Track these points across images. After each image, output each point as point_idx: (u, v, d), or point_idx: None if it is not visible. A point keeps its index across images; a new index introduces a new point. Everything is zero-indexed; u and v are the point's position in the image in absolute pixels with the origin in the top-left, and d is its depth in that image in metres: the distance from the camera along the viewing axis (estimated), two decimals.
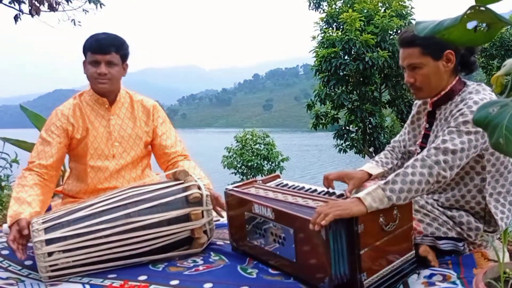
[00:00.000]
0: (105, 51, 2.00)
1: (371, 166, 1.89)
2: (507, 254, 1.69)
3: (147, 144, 2.22)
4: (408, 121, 1.88)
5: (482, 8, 0.77)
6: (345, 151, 13.00)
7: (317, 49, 12.09)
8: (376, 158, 1.95)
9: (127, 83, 2.18)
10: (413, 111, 1.86)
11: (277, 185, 1.86)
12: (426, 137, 1.74)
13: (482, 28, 0.83)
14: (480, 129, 1.47)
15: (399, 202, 1.41)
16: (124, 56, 2.09)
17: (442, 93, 1.66)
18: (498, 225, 1.63)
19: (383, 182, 1.43)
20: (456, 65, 1.64)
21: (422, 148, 1.72)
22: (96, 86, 2.06)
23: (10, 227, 1.73)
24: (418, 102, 1.85)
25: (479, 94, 1.58)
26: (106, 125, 2.12)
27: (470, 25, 0.83)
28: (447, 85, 1.66)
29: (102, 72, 2.01)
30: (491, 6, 0.78)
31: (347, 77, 12.04)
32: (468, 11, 0.78)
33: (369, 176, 1.84)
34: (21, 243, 1.69)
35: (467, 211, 1.67)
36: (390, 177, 1.43)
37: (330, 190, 1.74)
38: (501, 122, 0.76)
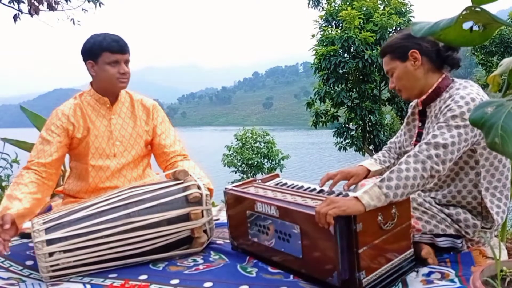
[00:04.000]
0: (125, 50, 2.04)
1: (370, 162, 1.92)
2: (504, 252, 1.70)
3: (147, 143, 2.23)
4: (404, 123, 1.92)
5: (478, 9, 0.78)
6: (345, 149, 13.02)
7: (316, 47, 12.09)
8: (375, 156, 1.99)
9: None
10: (408, 113, 1.90)
11: (276, 184, 1.87)
12: (419, 135, 1.78)
13: (478, 29, 0.83)
14: (468, 123, 1.49)
15: (396, 199, 1.42)
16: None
17: (430, 91, 1.70)
18: (494, 220, 1.64)
19: (379, 179, 1.44)
20: (433, 62, 1.69)
21: None
22: (118, 86, 2.07)
23: None
24: (412, 104, 1.89)
25: (465, 89, 1.61)
26: (107, 124, 2.13)
27: (466, 25, 0.83)
28: (432, 83, 1.70)
29: (126, 71, 2.04)
30: (487, 7, 0.79)
31: (346, 75, 12.05)
32: (464, 12, 0.79)
33: (368, 172, 1.87)
34: (3, 238, 1.67)
35: (464, 207, 1.68)
36: (385, 175, 1.45)
37: (329, 189, 1.75)
38: (496, 122, 0.76)
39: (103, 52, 2.00)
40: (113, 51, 2.01)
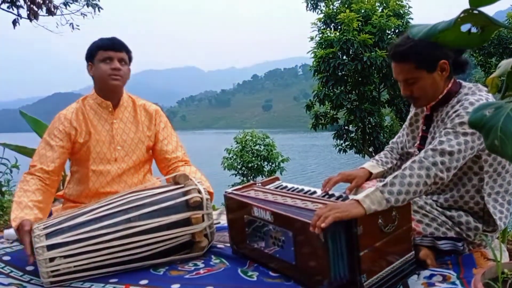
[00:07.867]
0: (118, 48, 2.06)
1: (372, 164, 1.91)
2: (506, 254, 1.70)
3: (149, 148, 2.22)
4: (406, 123, 1.89)
5: (475, 12, 0.78)
6: (344, 151, 13.00)
7: (315, 50, 12.10)
8: (377, 157, 1.97)
9: (126, 85, 2.20)
10: (411, 113, 1.87)
11: (277, 188, 1.87)
12: (423, 139, 1.75)
13: (476, 31, 0.84)
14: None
15: (398, 204, 1.41)
16: (130, 58, 2.14)
17: (440, 97, 1.67)
18: (497, 225, 1.64)
19: (381, 184, 1.43)
20: (452, 70, 1.65)
21: (420, 150, 1.72)
22: (109, 83, 2.06)
23: (17, 230, 1.73)
24: None
25: (475, 95, 1.59)
26: (109, 128, 2.13)
27: (464, 27, 0.83)
28: (443, 89, 1.67)
29: (116, 67, 2.04)
30: (485, 8, 0.79)
31: (345, 77, 12.04)
32: (462, 14, 0.79)
33: (370, 175, 1.86)
34: (30, 253, 1.68)
35: (466, 211, 1.68)
36: (388, 179, 1.43)
37: (329, 192, 1.75)
38: (496, 124, 0.76)
39: (98, 50, 2.06)
40: (106, 48, 2.04)
